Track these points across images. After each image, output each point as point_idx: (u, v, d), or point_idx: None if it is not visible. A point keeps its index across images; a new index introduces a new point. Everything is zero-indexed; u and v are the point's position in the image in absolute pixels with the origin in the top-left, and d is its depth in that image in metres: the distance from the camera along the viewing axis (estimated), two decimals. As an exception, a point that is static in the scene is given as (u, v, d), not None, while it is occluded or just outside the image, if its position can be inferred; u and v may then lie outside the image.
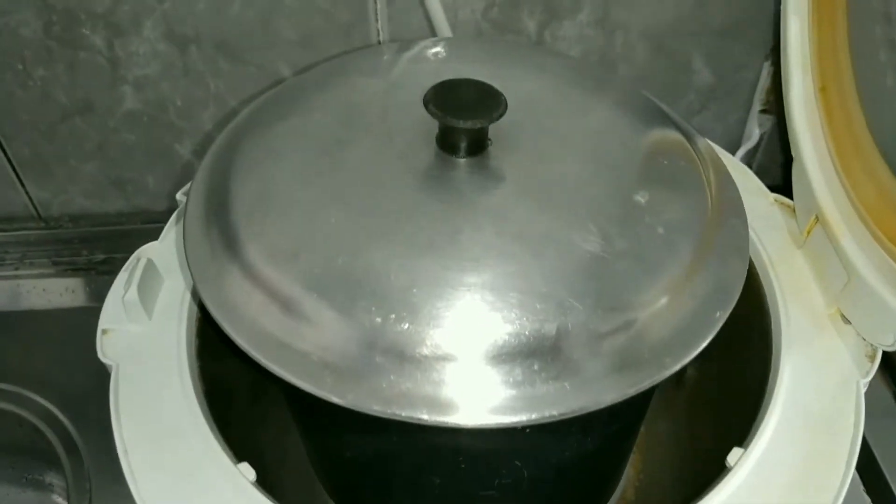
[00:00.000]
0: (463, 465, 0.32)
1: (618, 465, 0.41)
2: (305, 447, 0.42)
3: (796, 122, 0.40)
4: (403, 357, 0.26)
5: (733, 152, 0.69)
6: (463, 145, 0.30)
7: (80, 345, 0.63)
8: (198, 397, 0.34)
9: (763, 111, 0.67)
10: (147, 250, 0.40)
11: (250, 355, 0.28)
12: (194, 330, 0.38)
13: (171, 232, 0.42)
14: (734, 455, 0.33)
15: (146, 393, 0.35)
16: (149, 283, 0.38)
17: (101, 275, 0.69)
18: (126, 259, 0.69)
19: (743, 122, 0.70)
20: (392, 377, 0.26)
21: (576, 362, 0.26)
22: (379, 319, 0.26)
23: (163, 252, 0.40)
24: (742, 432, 0.34)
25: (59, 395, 0.61)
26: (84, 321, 0.65)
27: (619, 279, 0.27)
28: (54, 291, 0.70)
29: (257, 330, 0.28)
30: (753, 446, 0.33)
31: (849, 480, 0.31)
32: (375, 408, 0.25)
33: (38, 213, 0.71)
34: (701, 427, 0.45)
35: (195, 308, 0.39)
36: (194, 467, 0.32)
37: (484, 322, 0.26)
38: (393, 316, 0.26)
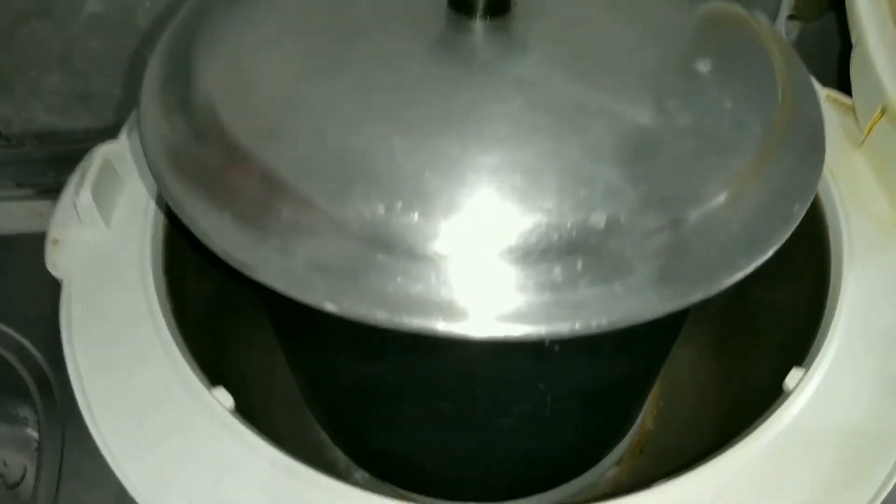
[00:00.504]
0: (479, 390, 0.27)
1: (644, 391, 0.37)
2: (293, 372, 0.37)
3: (859, 4, 0.35)
4: (413, 254, 0.21)
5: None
6: (481, 3, 0.24)
7: (50, 273, 0.59)
8: (165, 316, 0.29)
9: (791, 17, 0.62)
10: (104, 150, 0.34)
11: (225, 258, 0.23)
12: (161, 240, 0.32)
13: (132, 131, 0.36)
14: (793, 377, 0.28)
15: (104, 311, 0.30)
16: (106, 185, 0.32)
17: (71, 197, 0.64)
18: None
19: (770, 30, 0.64)
20: (399, 279, 0.21)
21: (629, 261, 0.21)
22: (382, 208, 0.21)
23: (123, 153, 0.35)
24: (795, 354, 0.29)
25: (27, 326, 0.57)
26: None
27: (682, 161, 0.22)
28: (20, 215, 0.65)
29: (234, 229, 0.23)
30: (815, 367, 0.28)
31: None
32: (379, 316, 0.20)
33: (0, 131, 0.65)
34: (733, 352, 0.41)
35: (161, 214, 0.33)
36: (162, 396, 0.27)
37: (514, 211, 0.21)
38: (399, 204, 0.21)
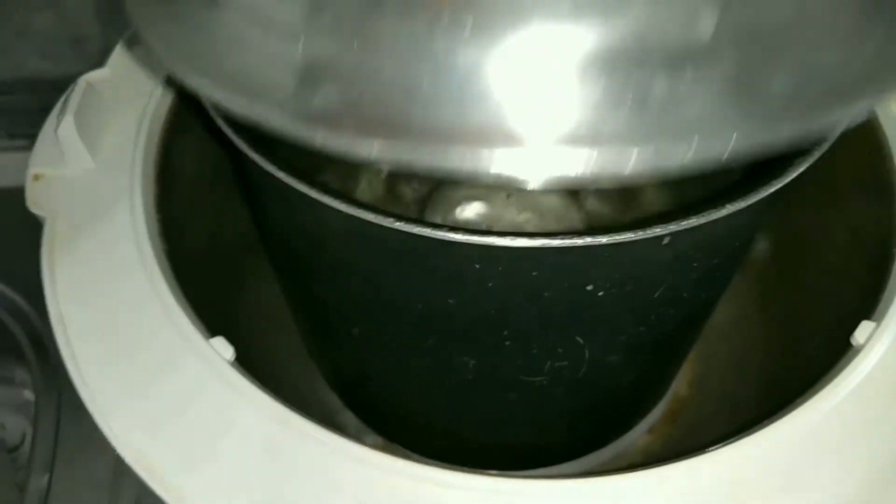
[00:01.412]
0: (510, 341, 0.24)
1: (685, 347, 0.33)
2: (299, 326, 0.34)
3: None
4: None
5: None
6: None
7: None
8: (158, 258, 0.26)
9: None
10: (89, 77, 0.31)
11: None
12: (152, 175, 0.29)
13: (120, 56, 0.32)
14: (863, 331, 0.25)
15: (90, 254, 0.26)
16: (91, 115, 0.29)
17: (64, 150, 0.61)
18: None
19: None
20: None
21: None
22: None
23: (110, 80, 0.31)
24: (860, 307, 0.26)
25: (21, 284, 0.54)
26: None
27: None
28: (11, 168, 0.62)
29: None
30: (889, 319, 0.25)
31: None
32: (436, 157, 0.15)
33: (-14, 77, 0.61)
34: (780, 312, 0.37)
35: (153, 147, 0.30)
36: (156, 346, 0.24)
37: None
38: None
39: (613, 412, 0.33)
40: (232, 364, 0.24)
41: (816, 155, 0.21)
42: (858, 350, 0.24)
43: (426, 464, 0.22)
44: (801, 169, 0.20)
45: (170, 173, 0.30)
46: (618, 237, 0.18)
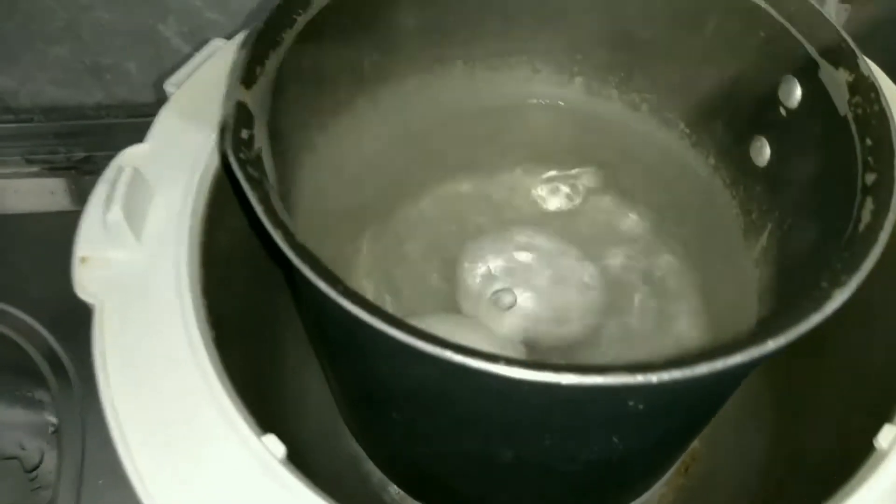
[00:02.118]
0: (547, 440, 0.25)
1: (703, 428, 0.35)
2: (329, 384, 0.35)
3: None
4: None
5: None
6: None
7: (62, 253, 0.57)
8: (206, 348, 0.27)
9: (843, 1, 0.59)
10: (131, 156, 0.31)
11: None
12: (197, 255, 0.30)
13: (160, 131, 0.33)
14: (887, 435, 0.26)
15: (140, 342, 0.27)
16: (136, 197, 0.30)
17: (83, 175, 0.62)
18: (110, 158, 0.62)
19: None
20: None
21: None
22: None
23: (151, 157, 0.32)
24: (885, 407, 0.27)
25: (40, 309, 0.56)
26: (67, 226, 0.60)
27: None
28: (29, 193, 0.63)
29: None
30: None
31: None
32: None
33: (5, 104, 0.62)
34: (789, 392, 0.38)
35: (196, 227, 0.31)
36: (208, 441, 0.25)
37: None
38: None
39: (639, 483, 0.34)
40: (285, 463, 0.25)
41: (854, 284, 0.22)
42: (884, 454, 0.25)
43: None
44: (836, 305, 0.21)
45: (212, 254, 0.30)
46: (664, 376, 0.19)
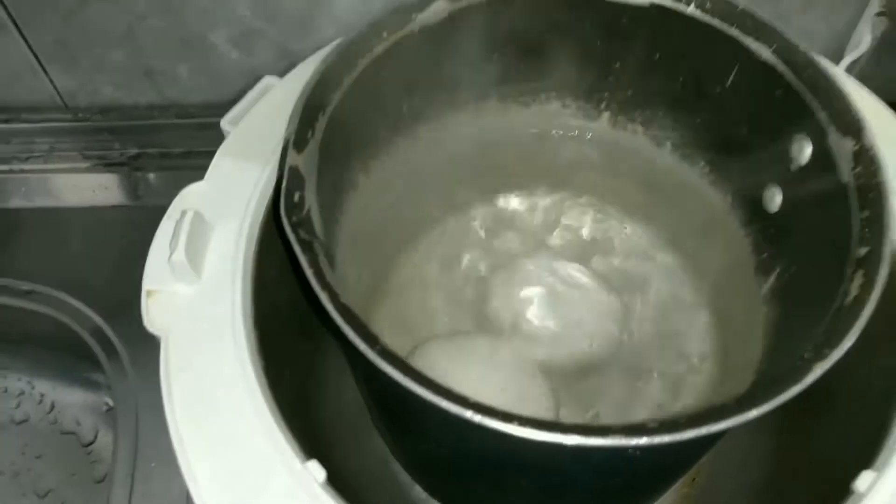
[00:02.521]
0: (556, 479, 0.28)
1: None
2: (374, 422, 0.39)
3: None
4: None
5: (837, 60, 0.61)
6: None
7: (116, 245, 0.61)
8: (258, 380, 0.30)
9: (881, 13, 0.59)
10: (191, 196, 0.35)
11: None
12: (250, 291, 0.33)
13: (217, 169, 0.36)
14: (864, 480, 0.28)
15: (201, 373, 0.31)
16: (196, 238, 0.33)
17: (135, 171, 0.66)
18: (161, 155, 0.65)
19: (853, 25, 0.61)
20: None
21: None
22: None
23: (209, 195, 0.35)
24: (867, 450, 0.30)
25: (95, 298, 0.59)
26: (119, 219, 0.63)
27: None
28: (87, 188, 0.66)
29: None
30: (890, 470, 0.28)
31: None
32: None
33: (65, 103, 0.66)
34: (789, 433, 0.41)
35: (249, 262, 0.34)
36: (256, 466, 0.29)
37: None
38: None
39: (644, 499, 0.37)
40: (323, 486, 0.28)
41: (833, 359, 0.24)
42: (860, 498, 0.28)
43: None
44: (816, 376, 0.24)
45: (262, 287, 0.34)
46: (655, 439, 0.22)
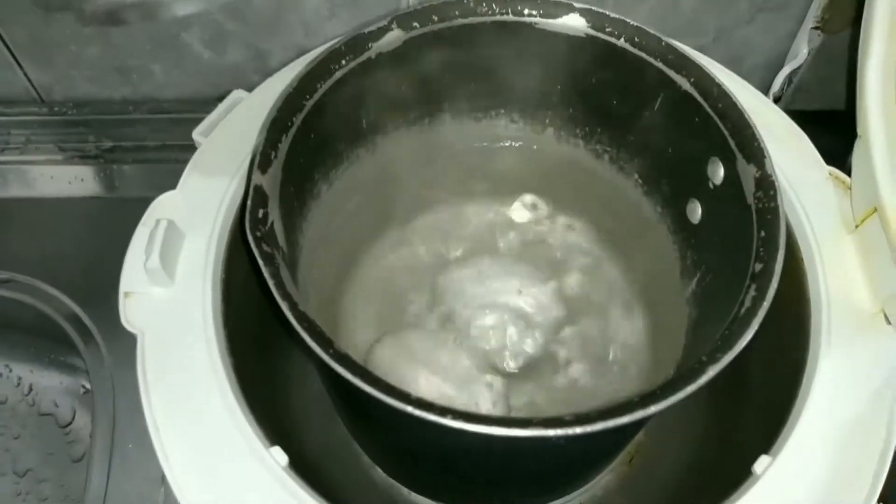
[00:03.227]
0: (496, 471, 0.32)
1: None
2: (339, 413, 0.43)
3: (869, 96, 0.37)
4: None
5: (779, 69, 0.66)
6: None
7: (92, 235, 0.63)
8: (227, 375, 0.34)
9: (816, 28, 0.63)
10: (165, 204, 0.38)
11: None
12: (219, 292, 0.37)
13: (189, 179, 0.39)
14: (761, 464, 0.33)
15: (174, 367, 0.34)
16: (170, 245, 0.36)
17: (109, 163, 0.68)
18: (136, 148, 0.67)
19: (792, 37, 0.65)
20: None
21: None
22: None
23: (181, 204, 0.38)
24: (769, 436, 0.34)
25: (71, 285, 0.61)
26: (94, 211, 0.65)
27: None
28: (63, 179, 0.68)
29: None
30: (781, 456, 0.33)
31: (874, 499, 0.32)
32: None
33: (40, 97, 0.68)
34: (715, 419, 0.45)
35: (219, 267, 0.37)
36: (225, 451, 0.32)
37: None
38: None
39: (579, 479, 0.42)
40: (286, 470, 0.32)
41: (724, 362, 0.28)
42: (756, 479, 0.32)
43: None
44: (709, 377, 0.28)
45: (231, 289, 0.37)
46: (569, 431, 0.26)
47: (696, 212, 0.39)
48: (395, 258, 0.47)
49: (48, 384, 0.69)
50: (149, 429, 0.33)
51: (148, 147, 0.67)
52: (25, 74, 0.65)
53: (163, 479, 0.53)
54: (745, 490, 0.32)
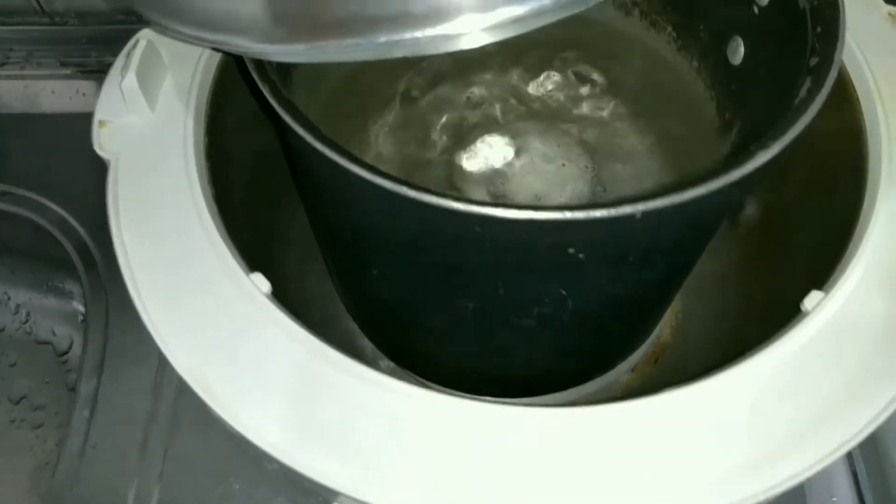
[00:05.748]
0: (501, 289, 0.28)
1: (663, 304, 0.37)
2: (327, 265, 0.38)
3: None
4: None
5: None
6: None
7: (94, 151, 0.60)
8: (206, 201, 0.30)
9: None
10: (148, 33, 0.34)
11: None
12: (203, 125, 0.33)
13: (176, 14, 0.36)
14: (812, 299, 0.28)
15: (149, 192, 0.31)
16: (150, 69, 0.33)
17: (113, 78, 0.65)
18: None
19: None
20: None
21: None
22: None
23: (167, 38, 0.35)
24: (819, 276, 0.30)
25: (74, 204, 0.59)
26: None
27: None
28: (63, 94, 0.66)
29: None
30: (835, 292, 0.28)
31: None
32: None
33: (41, 7, 0.65)
34: (758, 271, 0.41)
35: (204, 100, 0.34)
36: (203, 277, 0.29)
37: None
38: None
39: (596, 353, 0.37)
40: (268, 297, 0.28)
41: (776, 149, 0.24)
42: (805, 315, 0.28)
43: (429, 388, 0.27)
44: (758, 164, 0.24)
45: (217, 124, 0.33)
46: (593, 214, 0.22)
47: (738, 50, 0.35)
48: (409, 122, 0.43)
49: (46, 311, 0.67)
50: (118, 260, 0.29)
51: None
52: (26, -19, 0.63)
53: (152, 388, 0.50)
54: (793, 327, 0.27)
